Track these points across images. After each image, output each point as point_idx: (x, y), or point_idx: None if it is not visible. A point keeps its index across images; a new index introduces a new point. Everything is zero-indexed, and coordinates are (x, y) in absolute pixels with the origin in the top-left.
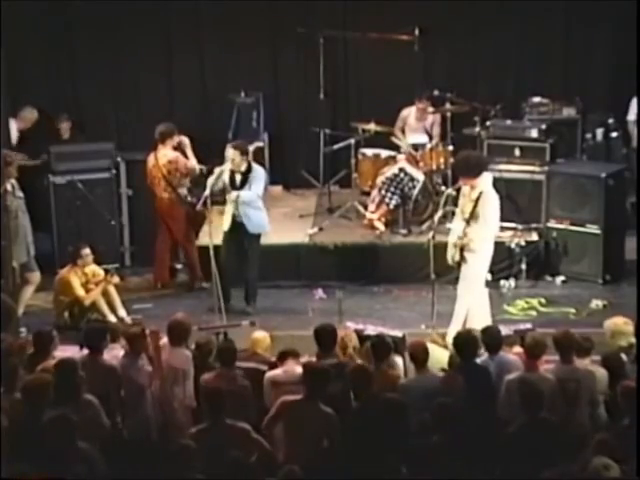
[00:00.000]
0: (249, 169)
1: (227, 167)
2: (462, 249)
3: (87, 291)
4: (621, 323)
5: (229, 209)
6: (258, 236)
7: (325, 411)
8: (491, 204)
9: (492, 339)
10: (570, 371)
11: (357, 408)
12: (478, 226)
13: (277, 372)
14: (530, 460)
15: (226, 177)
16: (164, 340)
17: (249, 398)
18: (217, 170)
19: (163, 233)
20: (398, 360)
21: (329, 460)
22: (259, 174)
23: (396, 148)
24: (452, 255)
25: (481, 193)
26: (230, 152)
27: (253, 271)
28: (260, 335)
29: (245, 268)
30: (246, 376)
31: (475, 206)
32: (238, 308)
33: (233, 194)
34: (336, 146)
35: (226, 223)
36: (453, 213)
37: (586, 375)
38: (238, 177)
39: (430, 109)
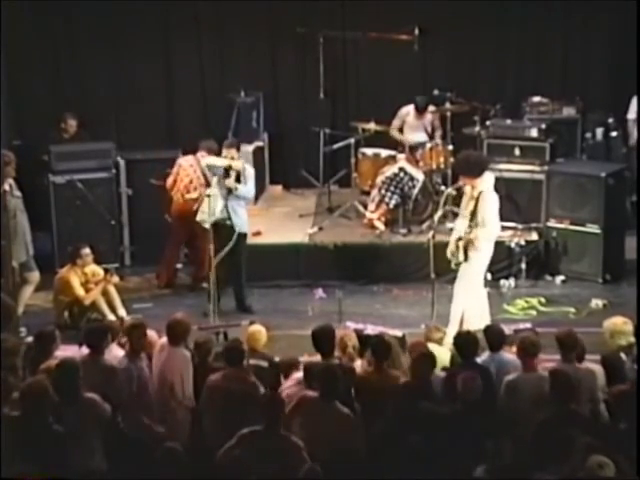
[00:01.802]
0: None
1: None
2: (466, 248)
3: (87, 291)
4: (620, 323)
5: (213, 203)
6: (245, 236)
7: (342, 411)
8: (491, 204)
9: (494, 337)
10: (571, 370)
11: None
12: (479, 226)
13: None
14: (558, 450)
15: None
16: (164, 340)
17: (260, 396)
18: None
19: (177, 235)
20: (404, 360)
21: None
22: (252, 173)
23: (396, 147)
24: (452, 251)
25: (481, 193)
26: (225, 152)
27: (244, 272)
28: (255, 329)
29: (235, 270)
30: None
31: (476, 205)
32: (239, 308)
33: (232, 184)
34: (336, 146)
35: (207, 216)
36: (453, 212)
37: (586, 374)
38: (232, 174)
39: (431, 108)
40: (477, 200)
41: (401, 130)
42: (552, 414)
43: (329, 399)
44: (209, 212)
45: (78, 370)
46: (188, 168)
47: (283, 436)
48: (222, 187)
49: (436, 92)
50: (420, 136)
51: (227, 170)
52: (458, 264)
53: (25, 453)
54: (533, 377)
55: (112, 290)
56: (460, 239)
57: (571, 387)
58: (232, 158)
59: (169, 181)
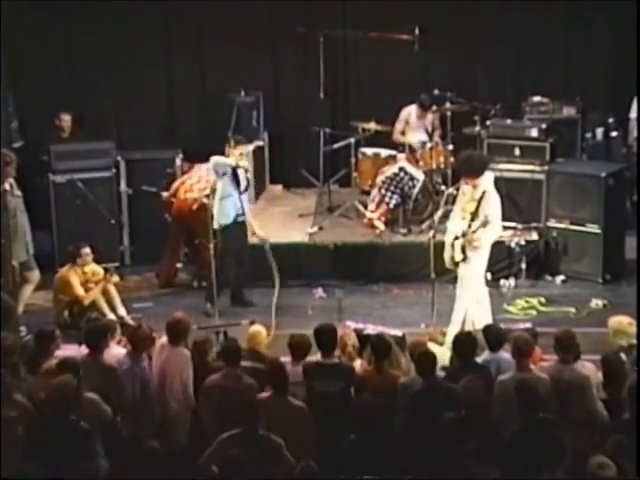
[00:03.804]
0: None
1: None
2: (464, 248)
3: (87, 290)
4: (625, 323)
5: (228, 204)
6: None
7: (295, 404)
8: (495, 203)
9: (494, 337)
10: (565, 371)
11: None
12: (484, 226)
13: None
14: (530, 460)
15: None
16: (163, 339)
17: (255, 397)
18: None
19: (176, 234)
20: (403, 359)
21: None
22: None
23: (396, 147)
24: (451, 255)
25: (484, 192)
26: (234, 150)
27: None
28: (256, 330)
29: (243, 265)
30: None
31: (478, 205)
32: (239, 304)
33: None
34: (336, 145)
35: (226, 219)
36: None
37: (581, 375)
38: (242, 175)
39: (433, 107)
40: (480, 200)
41: (403, 132)
42: (521, 426)
43: (280, 395)
44: (225, 213)
45: (79, 370)
46: (203, 169)
47: (262, 436)
48: (234, 186)
49: (436, 92)
50: (422, 136)
51: (235, 169)
52: (456, 264)
53: (40, 453)
54: (527, 377)
55: (112, 289)
56: (457, 239)
57: (538, 397)
58: (240, 154)
59: (182, 178)
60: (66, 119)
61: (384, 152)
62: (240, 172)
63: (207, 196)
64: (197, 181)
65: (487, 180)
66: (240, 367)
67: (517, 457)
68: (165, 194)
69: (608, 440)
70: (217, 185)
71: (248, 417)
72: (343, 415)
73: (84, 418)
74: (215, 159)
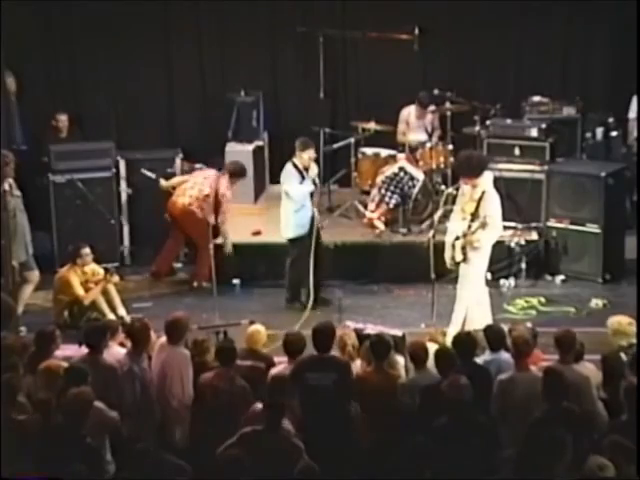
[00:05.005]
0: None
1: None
2: (464, 248)
3: (87, 290)
4: (625, 323)
5: (302, 215)
6: None
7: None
8: (494, 204)
9: (494, 337)
10: (565, 371)
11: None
12: (484, 228)
13: (280, 369)
14: (550, 448)
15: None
16: (163, 339)
17: (249, 398)
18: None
19: (176, 234)
20: (399, 359)
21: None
22: None
23: (396, 147)
24: (452, 255)
25: (484, 193)
26: (312, 152)
27: None
28: (254, 329)
29: (321, 264)
30: (244, 375)
31: (478, 206)
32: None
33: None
34: (336, 145)
35: (302, 229)
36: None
37: (582, 374)
38: (313, 182)
39: (431, 108)
40: (479, 200)
41: (404, 133)
42: (545, 413)
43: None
44: (301, 224)
45: (87, 377)
46: (200, 176)
47: (284, 436)
48: (307, 195)
49: (436, 92)
50: (421, 136)
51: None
52: (457, 264)
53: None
54: (526, 376)
55: (112, 289)
56: (457, 239)
57: (564, 386)
58: (309, 158)
59: (184, 177)
60: (62, 119)
61: (384, 152)
62: (311, 181)
63: (199, 207)
64: (191, 187)
65: (486, 180)
66: (234, 368)
67: (537, 444)
68: (163, 182)
69: (605, 440)
70: (289, 198)
71: (272, 416)
72: (336, 408)
73: (91, 427)
74: (295, 195)
